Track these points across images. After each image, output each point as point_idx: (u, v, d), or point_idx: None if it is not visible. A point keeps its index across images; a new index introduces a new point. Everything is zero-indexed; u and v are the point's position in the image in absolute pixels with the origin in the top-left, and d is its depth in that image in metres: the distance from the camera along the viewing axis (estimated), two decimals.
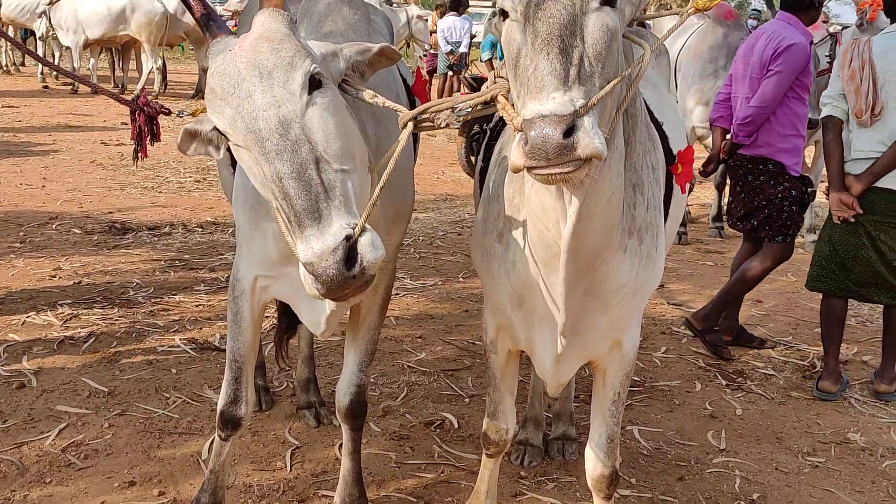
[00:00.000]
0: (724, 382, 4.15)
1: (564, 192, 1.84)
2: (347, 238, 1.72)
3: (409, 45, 14.72)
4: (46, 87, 14.03)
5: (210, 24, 1.99)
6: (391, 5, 13.64)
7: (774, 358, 4.39)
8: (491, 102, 1.95)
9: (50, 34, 13.40)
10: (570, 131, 1.54)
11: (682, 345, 4.44)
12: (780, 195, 4.28)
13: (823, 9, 5.76)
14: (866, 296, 3.91)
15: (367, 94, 2.05)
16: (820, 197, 5.33)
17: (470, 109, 2.01)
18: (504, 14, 1.74)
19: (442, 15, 13.59)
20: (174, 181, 7.76)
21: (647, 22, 4.95)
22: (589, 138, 1.55)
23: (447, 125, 2.05)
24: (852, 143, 3.75)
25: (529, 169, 1.60)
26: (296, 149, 1.76)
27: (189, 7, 2.05)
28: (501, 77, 2.07)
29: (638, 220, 2.15)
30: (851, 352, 4.48)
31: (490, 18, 13.59)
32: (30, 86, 14.31)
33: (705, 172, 4.68)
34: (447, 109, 2.02)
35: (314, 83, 1.83)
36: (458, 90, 12.48)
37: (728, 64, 6.31)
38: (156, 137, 2.80)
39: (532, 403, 3.41)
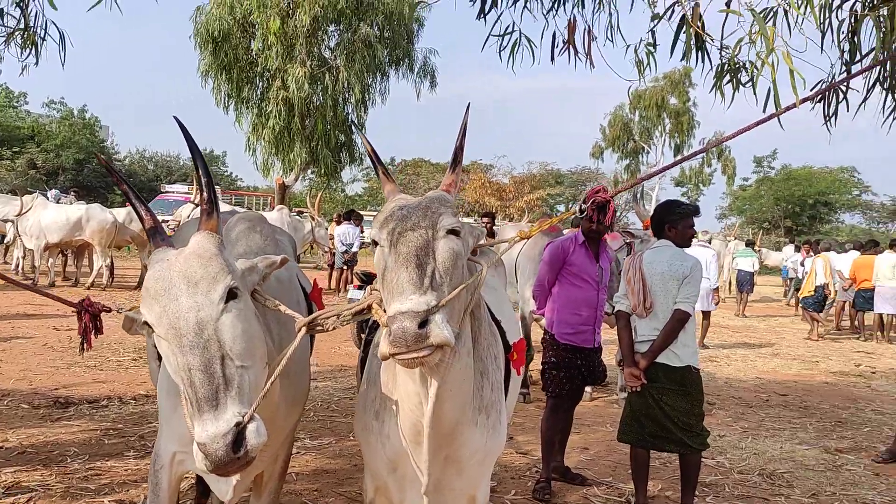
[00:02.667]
0: None
1: (427, 379, 1.97)
2: (237, 424, 1.78)
3: (312, 248, 15.68)
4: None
5: (156, 235, 2.11)
6: (300, 215, 14.65)
7: (598, 495, 4.56)
8: (367, 310, 2.08)
9: (16, 238, 13.50)
10: (423, 324, 1.71)
11: (528, 487, 4.57)
12: (544, 360, 4.70)
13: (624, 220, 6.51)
14: (661, 446, 4.12)
15: (271, 303, 2.17)
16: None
17: (351, 316, 2.14)
18: (375, 243, 1.96)
19: (339, 223, 14.96)
20: (114, 360, 7.76)
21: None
22: (439, 329, 1.72)
23: (334, 328, 2.16)
24: (636, 329, 4.16)
25: (393, 355, 1.74)
26: (206, 346, 1.83)
27: (141, 219, 2.17)
28: (376, 289, 2.12)
29: (485, 400, 2.29)
30: (657, 488, 4.69)
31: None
32: None
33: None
34: (333, 317, 2.14)
35: (231, 294, 1.93)
36: (351, 281, 13.08)
37: None
38: (99, 331, 2.82)
39: None
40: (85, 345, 2.79)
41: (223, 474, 1.84)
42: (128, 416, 5.67)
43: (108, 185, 36.14)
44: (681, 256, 4.10)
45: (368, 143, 2.44)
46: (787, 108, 2.59)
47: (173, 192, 27.16)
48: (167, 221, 15.99)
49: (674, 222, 4.16)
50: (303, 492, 4.36)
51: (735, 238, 21.18)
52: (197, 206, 9.38)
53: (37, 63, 4.55)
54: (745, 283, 16.30)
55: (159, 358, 2.22)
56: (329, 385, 7.18)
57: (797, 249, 15.51)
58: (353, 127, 20.66)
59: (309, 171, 22.07)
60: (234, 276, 1.98)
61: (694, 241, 13.54)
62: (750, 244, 18.54)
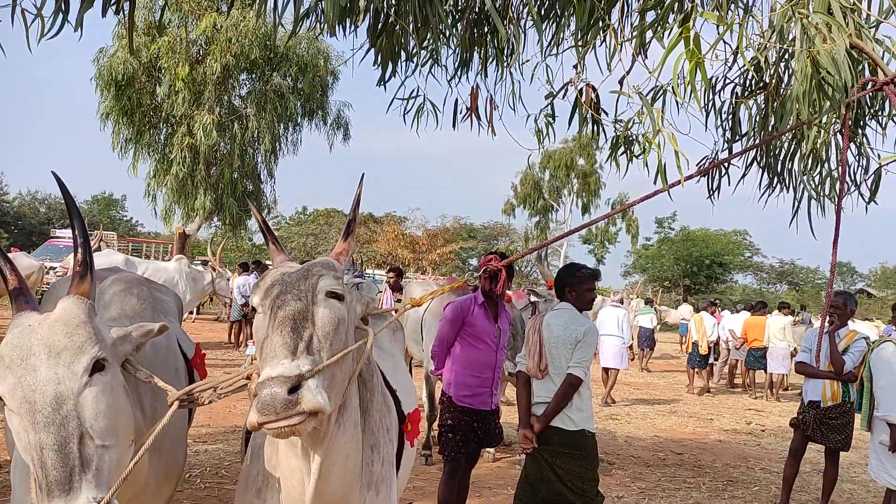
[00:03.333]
0: None
1: (309, 453, 1.88)
2: None
3: (212, 299, 15.24)
4: None
5: (19, 297, 1.91)
6: (204, 266, 14.27)
7: None
8: (247, 380, 1.97)
9: None
10: (294, 389, 1.62)
11: None
12: (440, 423, 4.73)
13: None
14: None
15: (143, 375, 2.02)
16: None
17: (230, 387, 2.02)
18: (254, 310, 1.87)
19: (240, 274, 14.74)
20: None
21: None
22: (311, 395, 1.63)
23: (210, 401, 2.02)
24: (534, 391, 4.19)
25: (262, 424, 1.63)
26: (64, 423, 1.68)
27: (4, 278, 1.95)
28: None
29: (375, 475, 2.21)
30: None
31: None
32: None
33: None
34: (210, 389, 2.01)
35: (97, 366, 1.79)
36: (250, 336, 12.81)
37: None
38: None
39: None
40: None
41: None
42: None
43: None
44: (577, 320, 4.17)
45: (259, 213, 2.41)
46: (673, 185, 2.74)
47: (64, 238, 25.83)
48: (55, 268, 15.14)
49: (573, 285, 4.26)
50: None
51: (637, 296, 22.03)
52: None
53: None
54: (645, 338, 16.96)
55: None
56: (220, 448, 6.84)
57: (698, 311, 16.34)
58: (259, 178, 20.41)
59: (214, 220, 21.52)
60: (102, 346, 1.83)
61: (607, 300, 14.00)
62: (648, 301, 19.40)
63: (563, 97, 3.64)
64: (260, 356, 1.79)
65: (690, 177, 3.05)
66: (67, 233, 27.26)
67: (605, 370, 11.80)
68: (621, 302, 13.73)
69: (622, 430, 9.60)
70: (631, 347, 11.19)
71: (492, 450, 7.05)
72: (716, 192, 4.04)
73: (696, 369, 14.28)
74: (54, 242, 24.13)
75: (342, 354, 1.79)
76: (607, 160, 4.22)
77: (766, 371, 13.96)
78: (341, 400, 1.87)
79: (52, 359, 1.73)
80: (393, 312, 3.45)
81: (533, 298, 6.76)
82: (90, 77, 18.63)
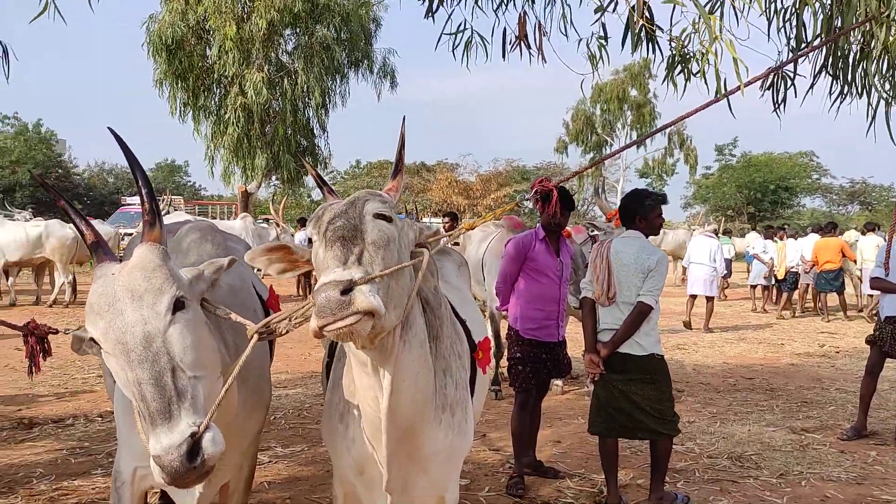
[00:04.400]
0: None
1: (379, 370, 1.99)
2: (192, 435, 1.77)
3: None
4: None
5: (98, 250, 2.05)
6: (267, 223, 14.64)
7: (571, 487, 4.62)
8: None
9: None
10: (346, 291, 1.69)
11: (502, 484, 4.59)
12: (510, 356, 4.76)
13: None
14: (632, 435, 4.21)
15: (222, 312, 2.16)
16: None
17: (302, 315, 2.10)
18: (310, 241, 2.00)
19: (300, 229, 15.32)
20: (79, 378, 7.63)
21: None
22: (364, 296, 1.70)
23: (287, 331, 2.13)
24: (600, 317, 4.19)
25: (321, 328, 1.71)
26: (155, 359, 1.81)
27: (82, 234, 2.10)
28: None
29: (450, 398, 2.30)
30: (628, 477, 4.76)
31: None
32: None
33: None
34: (285, 320, 2.11)
35: (178, 305, 1.91)
36: (314, 283, 13.19)
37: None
38: (47, 353, 2.82)
39: None
40: (33, 368, 2.77)
41: (182, 486, 1.82)
42: (94, 434, 5.60)
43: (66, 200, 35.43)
44: (648, 249, 4.11)
45: (311, 167, 2.46)
46: (731, 92, 2.66)
47: (135, 205, 26.73)
48: (131, 234, 15.74)
49: (643, 213, 4.17)
50: (275, 500, 4.35)
51: (701, 226, 21.60)
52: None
53: None
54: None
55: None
56: (300, 392, 7.13)
57: (766, 237, 16.21)
58: (312, 132, 20.59)
59: (272, 178, 21.89)
60: (179, 286, 1.96)
61: (699, 231, 14.22)
62: (726, 232, 19.46)
63: (614, 11, 3.52)
64: (319, 274, 1.86)
65: (750, 82, 2.94)
66: (137, 200, 28.20)
67: (692, 297, 12.23)
68: (715, 233, 13.64)
69: (690, 358, 9.54)
70: (725, 278, 11.92)
71: (560, 382, 7.13)
72: (781, 105, 3.88)
73: (784, 291, 14.85)
74: (126, 210, 25.05)
75: (395, 268, 1.86)
76: (664, 81, 4.09)
77: (838, 294, 13.62)
78: (403, 316, 1.94)
79: (135, 302, 1.85)
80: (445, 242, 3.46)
81: (593, 232, 6.72)
82: (141, 43, 18.97)
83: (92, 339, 1.92)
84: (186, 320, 1.91)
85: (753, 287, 15.96)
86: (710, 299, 12.10)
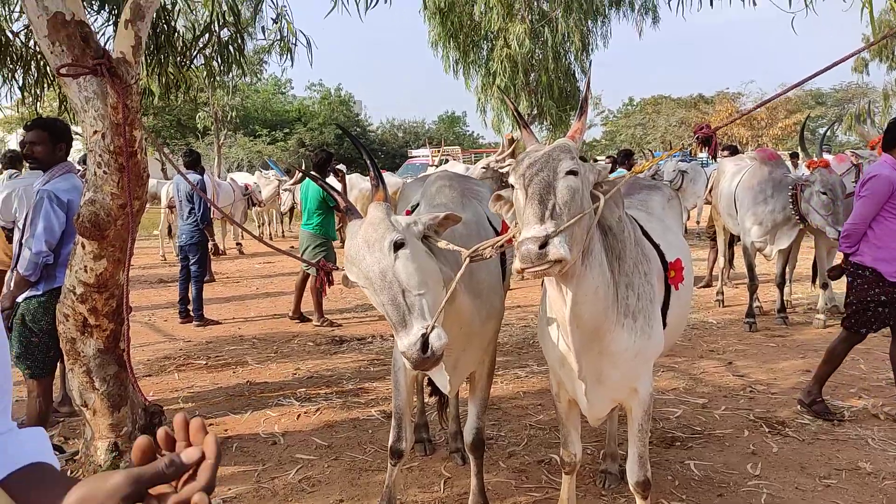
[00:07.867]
0: (767, 430, 4.42)
1: (561, 288, 2.38)
2: (423, 335, 2.26)
3: None
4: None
5: (348, 213, 2.68)
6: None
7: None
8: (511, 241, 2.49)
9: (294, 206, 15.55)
10: (543, 245, 2.07)
11: (739, 404, 4.69)
12: (868, 298, 4.43)
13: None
14: None
15: (442, 243, 2.64)
16: None
17: (503, 244, 2.57)
18: (512, 186, 2.36)
19: None
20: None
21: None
22: (556, 248, 2.07)
23: (490, 256, 2.60)
24: None
25: (522, 270, 2.10)
26: (390, 286, 2.33)
27: (336, 202, 2.81)
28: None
29: (632, 307, 2.62)
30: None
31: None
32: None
33: (832, 276, 4.93)
34: (489, 246, 2.58)
35: (398, 245, 2.39)
36: None
37: (774, 193, 6.69)
38: (331, 283, 3.89)
39: (608, 443, 3.85)
40: (321, 293, 3.55)
41: (422, 370, 2.35)
42: (388, 350, 6.69)
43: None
44: None
45: (516, 109, 2.87)
46: None
47: (419, 157, 29.29)
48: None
49: None
50: (528, 406, 5.03)
51: None
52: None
53: (292, 65, 5.58)
54: None
55: None
56: (513, 323, 7.68)
57: None
58: (574, 77, 20.72)
59: (536, 124, 22.53)
60: (398, 231, 2.44)
61: None
62: None
63: None
64: (520, 220, 2.28)
65: None
66: (422, 151, 30.82)
67: None
68: None
69: None
70: None
71: None
72: None
73: None
74: (412, 161, 27.58)
75: (578, 218, 2.20)
76: None
77: None
78: (583, 248, 2.30)
79: (370, 248, 2.40)
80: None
81: (855, 161, 6.24)
82: (418, 10, 20.58)
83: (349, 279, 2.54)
84: (405, 255, 2.39)
85: None
86: None
